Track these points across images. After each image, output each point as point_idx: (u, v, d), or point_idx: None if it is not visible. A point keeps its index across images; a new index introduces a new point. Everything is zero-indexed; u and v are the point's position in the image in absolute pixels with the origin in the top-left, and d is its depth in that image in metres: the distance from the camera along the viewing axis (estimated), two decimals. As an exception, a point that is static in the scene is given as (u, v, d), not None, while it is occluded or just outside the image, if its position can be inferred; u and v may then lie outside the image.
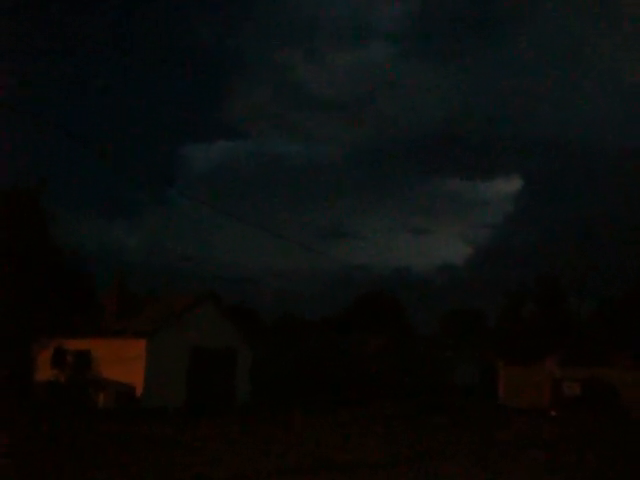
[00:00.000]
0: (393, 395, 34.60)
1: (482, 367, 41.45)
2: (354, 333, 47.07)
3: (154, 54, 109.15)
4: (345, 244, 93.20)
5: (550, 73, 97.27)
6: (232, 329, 28.59)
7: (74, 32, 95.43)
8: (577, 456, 13.43)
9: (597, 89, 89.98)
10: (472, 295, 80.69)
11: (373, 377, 37.93)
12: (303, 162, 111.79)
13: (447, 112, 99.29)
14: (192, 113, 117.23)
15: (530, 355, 35.66)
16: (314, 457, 11.96)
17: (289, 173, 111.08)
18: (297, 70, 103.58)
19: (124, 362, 23.39)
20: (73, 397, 21.45)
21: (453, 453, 13.58)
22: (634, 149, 74.77)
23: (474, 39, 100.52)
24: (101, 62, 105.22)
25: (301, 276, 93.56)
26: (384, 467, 11.26)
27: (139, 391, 22.90)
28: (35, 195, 21.78)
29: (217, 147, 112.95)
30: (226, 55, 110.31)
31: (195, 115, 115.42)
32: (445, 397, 35.34)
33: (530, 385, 31.75)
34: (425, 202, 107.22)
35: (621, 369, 30.26)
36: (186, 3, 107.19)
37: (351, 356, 39.23)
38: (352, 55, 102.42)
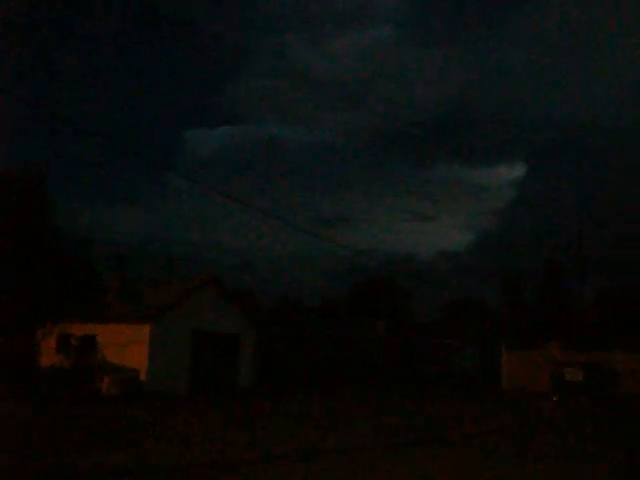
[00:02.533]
0: (390, 382, 34.79)
1: (484, 353, 41.64)
2: (354, 319, 47.17)
3: (155, 39, 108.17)
4: (347, 230, 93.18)
5: (554, 57, 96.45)
6: (235, 313, 28.60)
7: (78, 17, 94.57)
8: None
9: (602, 73, 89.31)
10: (474, 281, 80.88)
11: (372, 364, 38.04)
12: (304, 147, 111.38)
13: (449, 97, 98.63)
14: (193, 98, 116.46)
15: (532, 340, 35.81)
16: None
17: (291, 158, 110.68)
18: (298, 55, 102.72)
19: (128, 347, 23.43)
20: (77, 382, 21.48)
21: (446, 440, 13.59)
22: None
23: (476, 23, 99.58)
24: (103, 49, 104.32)
25: (303, 261, 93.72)
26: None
27: (143, 375, 22.94)
28: (38, 180, 21.65)
29: (218, 132, 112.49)
30: (227, 40, 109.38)
31: (196, 100, 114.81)
32: (448, 383, 35.53)
33: (532, 370, 31.92)
34: (428, 188, 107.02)
35: (623, 354, 30.38)
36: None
37: (351, 342, 39.31)
38: (354, 39, 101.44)
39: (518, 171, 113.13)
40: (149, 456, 10.14)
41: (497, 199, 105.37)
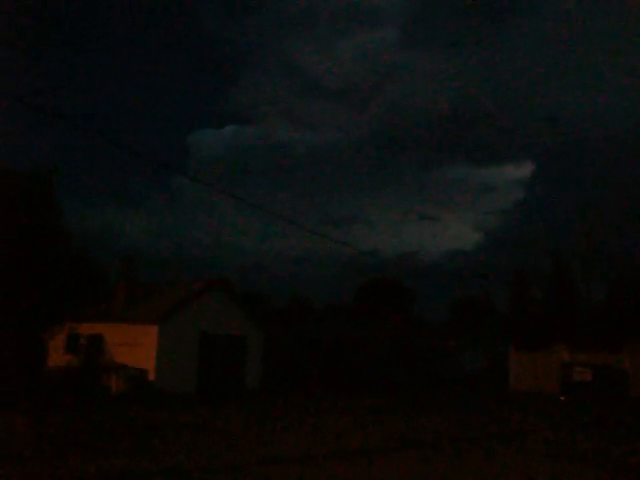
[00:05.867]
0: (398, 384, 34.73)
1: (492, 353, 41.49)
2: (360, 320, 47.11)
3: (162, 44, 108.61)
4: (354, 231, 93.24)
5: (561, 57, 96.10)
6: (242, 315, 28.66)
7: (85, 21, 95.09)
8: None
9: (611, 76, 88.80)
10: (481, 281, 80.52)
11: (380, 365, 37.98)
12: (311, 149, 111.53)
13: (456, 98, 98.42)
14: (200, 101, 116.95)
15: (540, 340, 35.66)
16: (311, 446, 11.91)
17: (297, 160, 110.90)
18: (303, 58, 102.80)
19: (136, 347, 23.58)
20: (86, 382, 21.63)
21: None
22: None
23: (481, 23, 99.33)
24: (111, 52, 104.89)
25: (309, 262, 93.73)
26: (375, 454, 11.28)
27: (151, 376, 23.05)
28: (47, 181, 21.82)
29: (225, 134, 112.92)
30: (232, 44, 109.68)
31: (203, 103, 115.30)
32: (456, 384, 35.44)
33: (540, 370, 31.80)
34: (434, 188, 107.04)
35: (632, 355, 30.21)
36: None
37: (359, 343, 39.26)
38: (358, 42, 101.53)
39: (525, 171, 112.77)
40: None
41: (504, 199, 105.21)
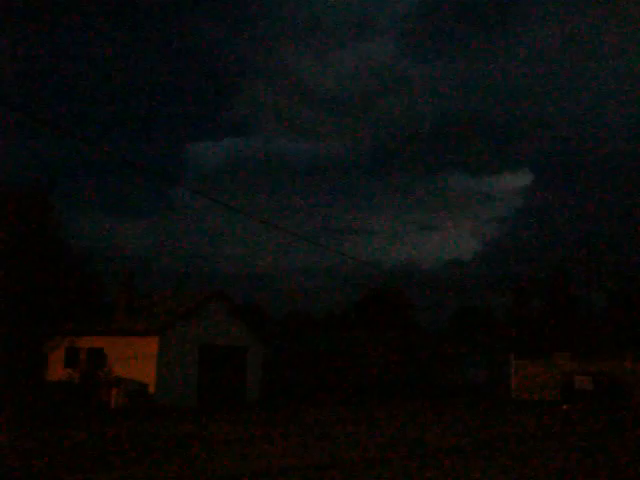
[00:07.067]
0: (399, 394, 34.60)
1: (492, 362, 41.33)
2: (361, 330, 46.99)
3: (162, 54, 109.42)
4: (353, 241, 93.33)
5: (559, 67, 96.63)
6: (242, 327, 28.64)
7: (83, 31, 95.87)
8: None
9: (607, 83, 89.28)
10: (481, 290, 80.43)
11: (379, 377, 37.83)
12: (310, 160, 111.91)
13: (454, 107, 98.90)
14: (197, 111, 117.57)
15: (541, 349, 35.57)
16: (314, 456, 11.85)
17: (296, 170, 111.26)
18: (302, 68, 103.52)
19: (136, 360, 23.49)
20: (86, 396, 21.53)
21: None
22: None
23: (480, 34, 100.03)
24: (109, 63, 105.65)
25: (309, 273, 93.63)
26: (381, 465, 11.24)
27: (151, 389, 22.96)
28: (44, 194, 21.86)
29: (224, 145, 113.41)
30: (232, 54, 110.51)
31: (200, 113, 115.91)
32: (457, 394, 35.29)
33: (542, 379, 31.68)
34: (433, 198, 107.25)
35: (633, 363, 30.10)
36: (193, 3, 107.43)
37: (358, 355, 39.13)
38: (357, 53, 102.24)
39: (524, 179, 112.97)
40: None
41: (503, 207, 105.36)
